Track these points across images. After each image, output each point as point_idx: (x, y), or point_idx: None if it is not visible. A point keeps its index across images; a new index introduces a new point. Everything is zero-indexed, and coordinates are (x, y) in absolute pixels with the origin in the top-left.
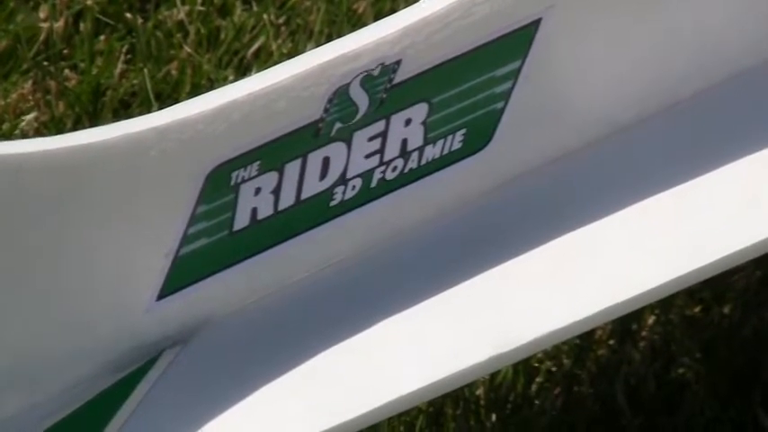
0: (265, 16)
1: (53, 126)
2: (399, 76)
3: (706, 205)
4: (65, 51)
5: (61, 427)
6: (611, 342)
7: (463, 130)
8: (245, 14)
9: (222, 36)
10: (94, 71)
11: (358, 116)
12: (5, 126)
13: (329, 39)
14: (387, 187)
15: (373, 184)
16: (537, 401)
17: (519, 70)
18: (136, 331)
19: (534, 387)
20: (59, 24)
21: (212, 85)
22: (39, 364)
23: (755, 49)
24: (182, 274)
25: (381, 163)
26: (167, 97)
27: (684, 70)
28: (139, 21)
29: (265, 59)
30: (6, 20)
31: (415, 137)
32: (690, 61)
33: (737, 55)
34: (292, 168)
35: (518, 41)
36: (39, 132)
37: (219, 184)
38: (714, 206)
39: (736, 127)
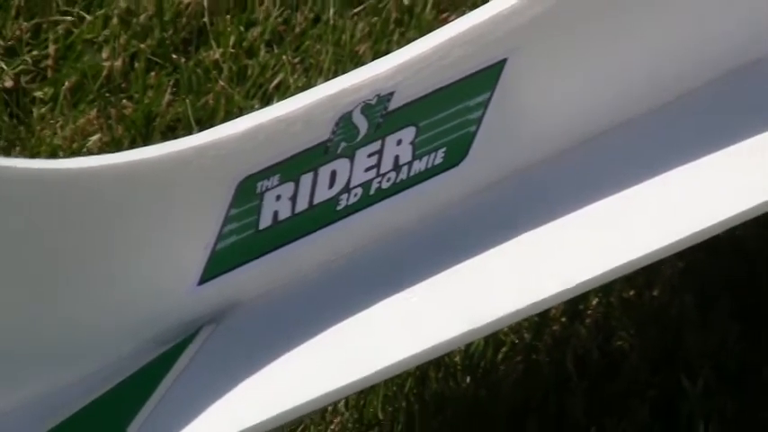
0: (284, 57)
1: (113, 145)
2: (392, 105)
3: (650, 203)
4: (123, 85)
5: (116, 391)
6: (563, 319)
7: (444, 149)
8: (268, 55)
9: (249, 73)
10: (146, 101)
11: (359, 137)
12: (75, 145)
13: (336, 74)
14: (383, 194)
15: (372, 191)
16: (502, 367)
17: (489, 100)
18: (180, 311)
19: (500, 356)
20: (118, 63)
21: (241, 112)
22: (95, 339)
23: (694, 73)
24: (218, 265)
25: (378, 175)
26: (205, 122)
27: (632, 92)
28: (183, 60)
29: (284, 91)
30: (75, 59)
31: (405, 154)
32: (637, 84)
33: (682, 79)
34: (306, 179)
35: (488, 77)
36: (102, 151)
37: (247, 192)
38: (651, 206)
39: (677, 144)
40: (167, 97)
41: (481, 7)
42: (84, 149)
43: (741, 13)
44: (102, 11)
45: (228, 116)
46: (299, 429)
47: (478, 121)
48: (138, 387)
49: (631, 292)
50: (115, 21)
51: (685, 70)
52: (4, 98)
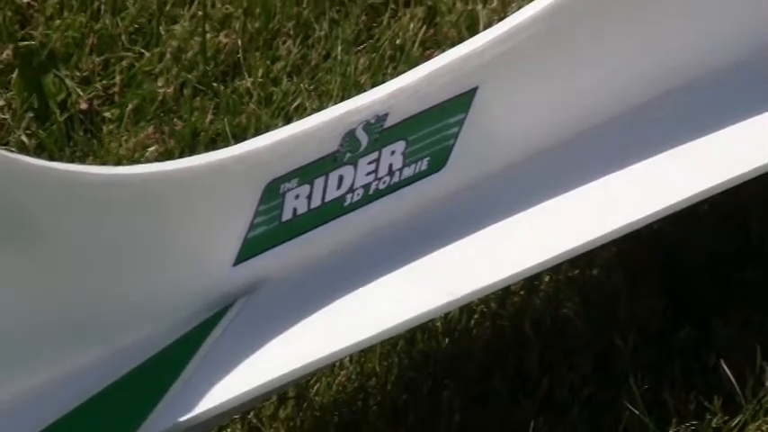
0: (302, 85)
1: (166, 155)
2: (387, 123)
3: (592, 201)
4: (174, 107)
5: (169, 349)
6: (522, 292)
7: (428, 158)
8: (289, 84)
9: (274, 98)
10: (193, 120)
11: (361, 149)
12: (136, 155)
13: (342, 99)
14: (379, 194)
15: (371, 192)
16: (474, 331)
17: (463, 120)
18: (219, 287)
19: (472, 322)
20: (171, 90)
21: (268, 129)
22: (152, 310)
23: (643, 89)
24: (249, 250)
25: (376, 179)
26: (239, 137)
27: (580, 110)
28: (221, 88)
29: (302, 112)
30: (137, 87)
31: (397, 162)
32: (585, 103)
33: (626, 98)
34: (319, 182)
35: (463, 101)
36: (157, 159)
37: (272, 193)
38: (592, 203)
39: (617, 152)
40: (209, 117)
41: (457, 45)
42: (143, 159)
43: (676, 35)
44: (158, 48)
45: (257, 132)
46: (313, 380)
47: (455, 136)
48: (185, 346)
49: (576, 271)
50: (168, 56)
51: (629, 90)
52: (80, 118)
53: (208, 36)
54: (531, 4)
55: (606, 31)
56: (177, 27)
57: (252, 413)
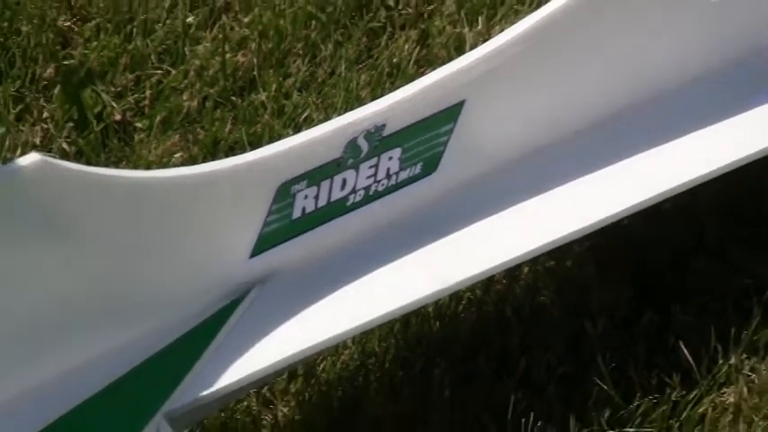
0: (310, 99)
1: (190, 161)
2: (385, 133)
3: (561, 200)
4: (197, 118)
5: (193, 332)
6: (504, 281)
7: (421, 163)
8: (299, 97)
9: (286, 110)
10: (214, 129)
11: (362, 155)
12: (164, 160)
13: (346, 111)
14: (378, 195)
15: (371, 193)
16: (462, 316)
17: (452, 129)
18: (236, 276)
19: (460, 307)
20: (194, 103)
21: (280, 137)
22: (178, 297)
23: (609, 102)
24: (263, 243)
25: (375, 181)
26: (255, 144)
27: (561, 118)
28: (239, 101)
29: (310, 123)
30: (164, 100)
31: (394, 166)
32: (558, 115)
33: (598, 106)
34: (325, 184)
35: (451, 113)
36: (182, 165)
37: (284, 193)
38: (561, 202)
39: (584, 159)
40: (228, 127)
41: (447, 64)
42: (170, 164)
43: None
44: (183, 66)
45: (271, 140)
46: (320, 359)
47: (445, 143)
48: (206, 330)
49: (552, 263)
50: (192, 73)
51: (596, 103)
52: (114, 127)
53: (227, 56)
54: (511, 28)
55: (575, 53)
56: (200, 48)
57: (266, 388)
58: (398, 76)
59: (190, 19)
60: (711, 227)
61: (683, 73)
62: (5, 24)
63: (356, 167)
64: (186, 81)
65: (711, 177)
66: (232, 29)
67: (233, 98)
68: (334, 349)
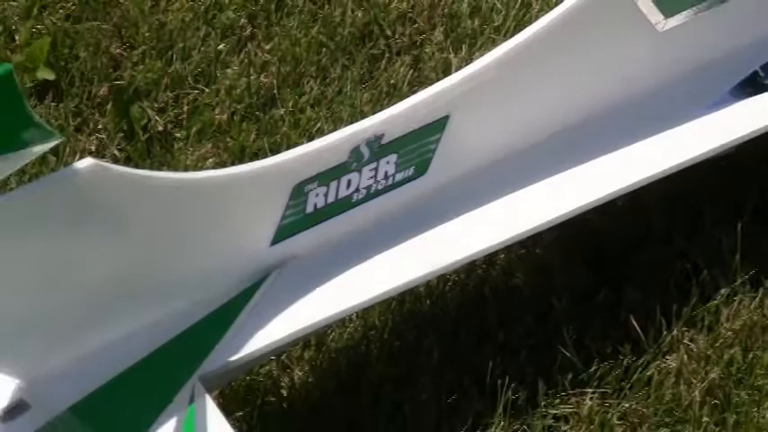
0: (321, 113)
1: (221, 165)
2: (384, 141)
3: (528, 199)
4: (227, 129)
5: (222, 309)
6: (484, 266)
7: (413, 166)
8: (312, 112)
9: (300, 122)
10: (241, 139)
11: (364, 160)
12: (199, 165)
13: (351, 123)
14: (378, 194)
15: (372, 191)
16: (448, 295)
17: (440, 139)
18: (259, 262)
19: (447, 287)
20: (225, 117)
21: (296, 145)
22: (209, 280)
23: (568, 116)
24: (281, 234)
25: (375, 182)
26: (275, 151)
27: (531, 128)
28: (262, 115)
29: (321, 133)
30: (199, 114)
31: (391, 169)
32: (528, 127)
33: (560, 119)
34: (333, 184)
35: (439, 125)
36: (214, 168)
37: (299, 192)
38: (528, 200)
39: (547, 163)
40: (253, 136)
41: (434, 84)
42: (204, 167)
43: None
44: (215, 86)
45: (288, 147)
46: (329, 331)
47: (434, 150)
48: (233, 307)
49: (523, 251)
50: (223, 92)
51: (558, 116)
52: (157, 137)
53: (252, 77)
54: (486, 54)
55: (540, 75)
56: (229, 71)
57: (284, 355)
58: (395, 95)
59: (221, 46)
60: (658, 220)
61: (631, 90)
62: (66, 51)
63: (359, 170)
64: (217, 98)
65: (656, 179)
66: (256, 55)
67: (257, 113)
68: (341, 322)
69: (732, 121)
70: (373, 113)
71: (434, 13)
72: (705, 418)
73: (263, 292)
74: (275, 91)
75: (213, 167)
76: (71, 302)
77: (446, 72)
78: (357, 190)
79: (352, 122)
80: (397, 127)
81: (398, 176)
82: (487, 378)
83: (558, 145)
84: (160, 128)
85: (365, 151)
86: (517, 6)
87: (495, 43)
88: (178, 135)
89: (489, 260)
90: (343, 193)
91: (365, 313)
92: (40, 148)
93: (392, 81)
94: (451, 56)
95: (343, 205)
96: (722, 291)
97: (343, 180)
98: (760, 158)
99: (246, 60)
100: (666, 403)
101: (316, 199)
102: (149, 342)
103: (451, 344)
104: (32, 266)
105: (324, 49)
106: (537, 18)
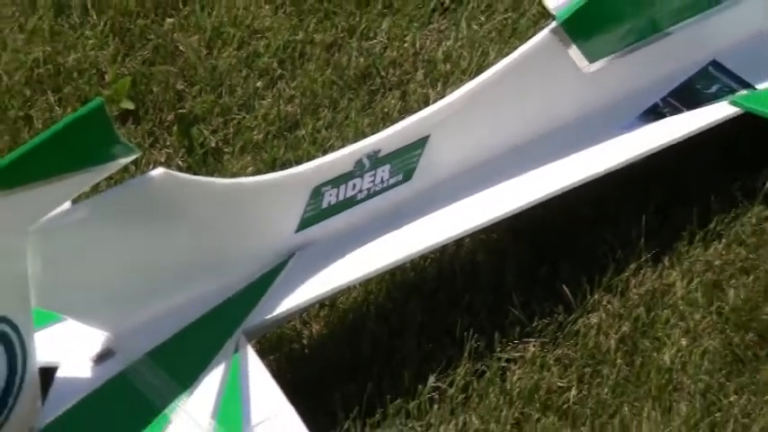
0: (333, 134)
1: (258, 172)
2: (380, 155)
3: (485, 199)
4: (262, 146)
5: (256, 282)
6: (454, 247)
7: (402, 174)
8: (326, 133)
9: (317, 140)
10: (273, 153)
11: (365, 169)
12: (242, 172)
13: (355, 141)
14: (376, 194)
15: (371, 193)
16: (428, 268)
17: (422, 153)
18: (286, 245)
19: (427, 263)
20: (260, 137)
21: (314, 157)
22: (244, 260)
23: (523, 135)
24: (303, 224)
25: (374, 185)
26: (298, 162)
27: (494, 145)
28: (289, 135)
29: (333, 148)
30: (242, 135)
31: (386, 176)
32: (495, 140)
33: (517, 137)
34: (342, 187)
35: (421, 142)
36: (252, 175)
37: (317, 192)
38: (487, 199)
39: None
40: (282, 151)
41: (417, 112)
42: (245, 174)
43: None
44: (254, 113)
45: (308, 159)
46: (338, 295)
47: (417, 162)
48: (266, 279)
49: (484, 236)
50: (259, 118)
51: (515, 135)
52: (211, 152)
53: (281, 107)
54: (455, 91)
55: (499, 106)
56: (264, 102)
57: (305, 314)
58: (388, 120)
59: (258, 84)
60: (585, 213)
61: (564, 117)
62: (143, 87)
63: (361, 176)
64: (255, 122)
65: (582, 183)
66: (284, 90)
67: (285, 133)
68: (347, 289)
69: (637, 141)
70: (372, 134)
71: (417, 60)
72: (618, 361)
73: (290, 268)
74: (298, 117)
75: (252, 174)
76: (147, 276)
77: (426, 103)
78: (360, 191)
79: (356, 141)
80: (390, 144)
81: (391, 181)
82: (456, 331)
83: (511, 159)
84: (213, 144)
85: (366, 162)
86: (478, 54)
87: (462, 82)
88: (226, 150)
89: (458, 243)
90: (350, 193)
91: (366, 283)
92: (123, 161)
93: (386, 110)
94: (430, 91)
95: (349, 203)
96: (631, 266)
97: (350, 184)
98: (661, 168)
99: (277, 94)
100: (590, 349)
101: (329, 198)
102: (205, 305)
103: (429, 306)
104: (117, 248)
105: (335, 86)
106: (493, 63)
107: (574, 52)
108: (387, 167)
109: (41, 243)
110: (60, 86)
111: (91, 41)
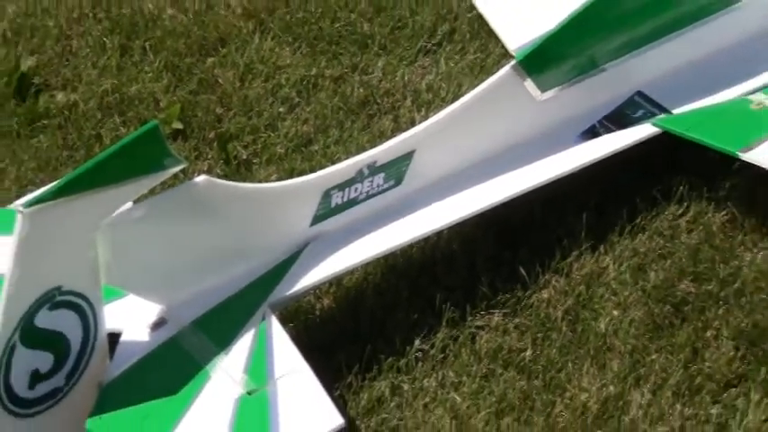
0: (340, 148)
1: (280, 179)
2: (377, 165)
3: (463, 199)
4: (284, 158)
5: (275, 268)
6: (435, 237)
7: (394, 180)
8: (334, 148)
9: (328, 153)
10: (292, 164)
11: (364, 176)
12: (267, 179)
13: (357, 153)
14: (373, 196)
15: (370, 194)
16: (415, 254)
17: (409, 163)
18: (301, 237)
19: (413, 250)
20: (282, 151)
21: (325, 166)
22: (266, 248)
23: (488, 150)
24: (316, 219)
25: (372, 188)
26: (312, 171)
27: (468, 156)
28: (304, 149)
29: (339, 160)
30: (267, 149)
31: (381, 181)
32: (468, 153)
33: (483, 151)
34: (347, 190)
35: (408, 155)
36: (276, 181)
37: (326, 195)
38: (465, 200)
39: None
40: (299, 162)
41: (405, 131)
42: (270, 180)
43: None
44: (277, 132)
45: (320, 168)
46: (344, 275)
47: (405, 171)
48: (283, 266)
49: (458, 229)
50: (282, 136)
51: (482, 150)
52: (243, 163)
53: (298, 127)
54: (435, 115)
55: (471, 127)
56: (285, 123)
57: (317, 291)
58: (383, 138)
59: (280, 109)
60: (539, 211)
61: (522, 136)
62: (190, 112)
63: (362, 182)
64: (278, 140)
65: (536, 187)
66: (301, 114)
67: (301, 148)
68: (350, 271)
69: (579, 155)
70: (370, 149)
71: (405, 90)
72: (564, 328)
73: (305, 254)
74: (312, 135)
75: (275, 180)
76: (192, 260)
77: (413, 124)
78: (360, 193)
79: (357, 154)
80: (384, 156)
81: (385, 186)
82: (436, 305)
83: (480, 168)
84: (244, 157)
85: (365, 171)
86: (454, 86)
87: (441, 107)
88: (255, 161)
89: (438, 235)
90: (353, 195)
91: (365, 266)
92: (173, 170)
93: (381, 129)
94: (416, 115)
95: (352, 203)
96: (574, 252)
97: (353, 188)
98: (598, 175)
99: (295, 117)
100: (541, 318)
101: (336, 199)
102: (238, 283)
103: (415, 284)
104: (169, 238)
105: (341, 111)
106: (466, 93)
107: (529, 84)
108: (382, 175)
109: (109, 234)
110: (124, 111)
111: (149, 75)
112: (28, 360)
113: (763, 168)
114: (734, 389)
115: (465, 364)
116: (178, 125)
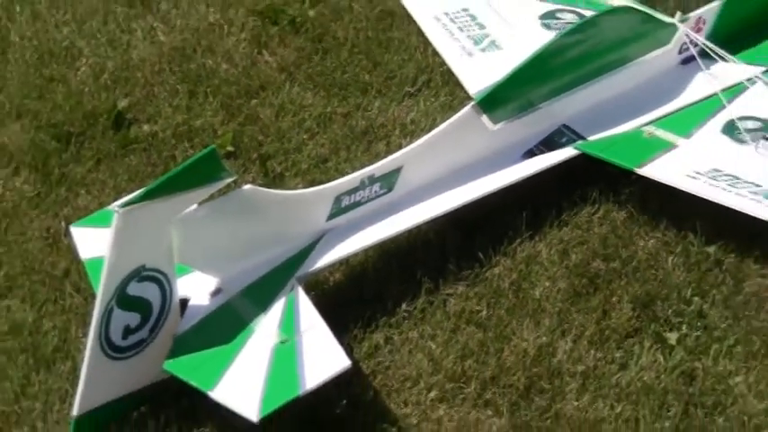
0: (348, 165)
1: (304, 187)
2: (375, 176)
3: (445, 200)
4: (307, 172)
5: (297, 254)
6: (416, 231)
7: (387, 188)
8: (343, 164)
9: (339, 168)
10: (313, 176)
11: (365, 185)
12: (296, 187)
13: (360, 168)
14: (371, 200)
15: (368, 199)
16: (402, 244)
17: (398, 176)
18: (320, 229)
19: (402, 241)
20: (306, 166)
21: (336, 178)
22: (289, 239)
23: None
24: (331, 216)
25: (371, 194)
26: (328, 181)
27: (444, 170)
28: (323, 166)
29: (347, 173)
30: (295, 166)
31: (377, 189)
32: (446, 166)
33: (458, 162)
34: (354, 194)
35: (397, 169)
36: (300, 189)
37: (338, 199)
38: (448, 200)
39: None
40: (318, 174)
41: (395, 152)
42: (297, 188)
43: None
44: (302, 154)
45: (334, 179)
46: (351, 258)
47: (396, 180)
48: (304, 252)
49: (433, 224)
50: (305, 155)
51: (445, 168)
52: (278, 176)
53: (318, 150)
54: (416, 141)
55: (440, 152)
56: (308, 147)
57: (331, 268)
58: (378, 157)
59: (304, 136)
60: (492, 211)
61: (478, 157)
62: (239, 139)
63: (363, 189)
64: (303, 159)
65: (490, 194)
66: (319, 140)
67: (319, 164)
68: (355, 255)
69: (521, 170)
70: (370, 165)
71: (395, 123)
72: (510, 295)
73: (323, 242)
74: (327, 156)
75: (301, 188)
76: (241, 245)
77: (400, 147)
78: (363, 198)
79: (360, 169)
80: (380, 170)
81: (381, 192)
82: (417, 278)
83: (449, 180)
84: (278, 171)
85: (366, 181)
86: (430, 121)
87: (421, 135)
88: (286, 174)
89: (419, 230)
90: (357, 199)
91: (366, 250)
92: (226, 181)
93: (377, 151)
94: (403, 141)
95: (357, 204)
96: (517, 240)
97: (357, 194)
98: (535, 185)
99: (315, 142)
100: (494, 288)
101: (345, 201)
102: (274, 262)
103: (403, 263)
104: (224, 230)
105: (348, 138)
106: (438, 125)
107: (484, 119)
108: (378, 184)
109: (180, 227)
110: (192, 138)
111: (209, 112)
112: (122, 318)
113: (652, 180)
114: (631, 338)
115: (438, 321)
116: (230, 148)
